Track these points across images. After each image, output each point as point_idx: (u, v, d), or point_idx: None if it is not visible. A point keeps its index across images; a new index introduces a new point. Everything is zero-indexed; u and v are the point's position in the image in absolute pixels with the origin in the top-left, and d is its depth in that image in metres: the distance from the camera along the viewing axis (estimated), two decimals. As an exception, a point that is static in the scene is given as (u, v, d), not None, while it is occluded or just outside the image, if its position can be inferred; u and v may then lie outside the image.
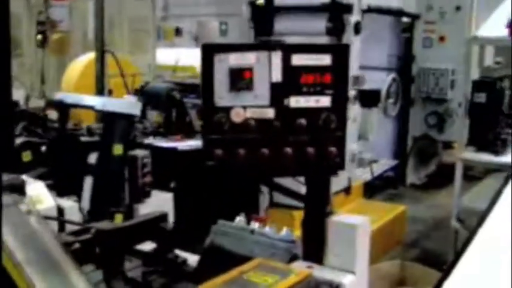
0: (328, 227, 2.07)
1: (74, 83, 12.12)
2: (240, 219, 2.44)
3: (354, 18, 6.95)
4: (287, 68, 1.95)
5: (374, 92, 6.73)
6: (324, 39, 7.44)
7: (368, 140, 7.28)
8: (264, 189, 6.10)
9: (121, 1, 15.47)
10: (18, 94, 5.05)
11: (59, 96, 4.76)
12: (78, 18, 14.46)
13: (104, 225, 2.29)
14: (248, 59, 1.93)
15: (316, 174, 2.03)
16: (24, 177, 2.70)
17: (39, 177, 4.22)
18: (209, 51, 1.92)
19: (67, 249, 1.99)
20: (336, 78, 1.96)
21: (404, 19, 8.73)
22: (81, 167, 4.37)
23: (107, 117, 4.41)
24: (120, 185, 4.40)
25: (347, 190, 6.75)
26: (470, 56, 5.61)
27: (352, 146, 6.49)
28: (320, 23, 7.03)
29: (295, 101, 1.96)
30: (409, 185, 8.88)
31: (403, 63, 8.73)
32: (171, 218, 4.90)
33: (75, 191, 4.23)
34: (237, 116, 1.93)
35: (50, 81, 13.17)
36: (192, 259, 2.51)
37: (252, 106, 1.94)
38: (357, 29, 7.01)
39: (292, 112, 1.96)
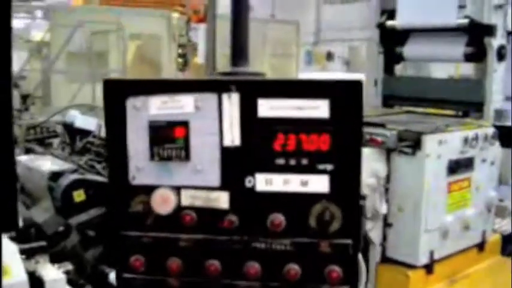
0: None
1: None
2: None
3: (497, 41, 5.97)
4: (251, 121, 1.09)
5: (517, 128, 5.58)
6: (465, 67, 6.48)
7: (511, 186, 6.16)
8: (375, 238, 5.16)
9: (265, 25, 15.16)
10: (92, 123, 4.54)
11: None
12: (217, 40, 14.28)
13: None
14: (181, 105, 1.09)
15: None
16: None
17: (89, 221, 3.66)
18: (116, 93, 1.12)
19: None
20: (339, 142, 1.08)
21: None
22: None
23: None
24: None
25: (480, 246, 5.70)
26: None
27: (490, 193, 5.43)
28: (457, 48, 6.08)
29: (265, 182, 1.10)
30: None
31: None
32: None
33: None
34: (164, 202, 1.11)
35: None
36: None
37: (189, 187, 1.12)
38: (501, 54, 6.00)
39: (259, 200, 1.10)
